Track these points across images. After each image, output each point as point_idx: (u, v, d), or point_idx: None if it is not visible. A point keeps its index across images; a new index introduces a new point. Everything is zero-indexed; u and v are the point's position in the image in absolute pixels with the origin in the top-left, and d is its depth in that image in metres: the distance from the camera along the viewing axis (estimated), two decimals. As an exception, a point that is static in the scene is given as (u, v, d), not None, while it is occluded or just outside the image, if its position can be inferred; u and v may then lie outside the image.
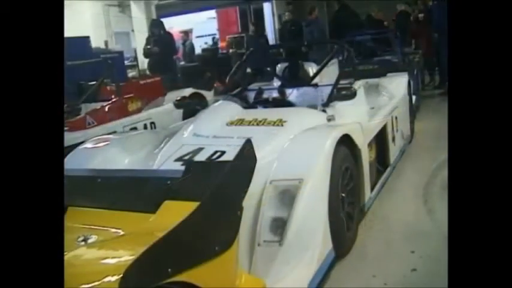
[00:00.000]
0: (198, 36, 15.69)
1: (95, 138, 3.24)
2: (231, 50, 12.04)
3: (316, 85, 4.00)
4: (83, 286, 1.27)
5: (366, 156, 3.06)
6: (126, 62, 11.18)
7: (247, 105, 3.63)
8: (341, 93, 3.31)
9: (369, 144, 3.27)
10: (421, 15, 8.22)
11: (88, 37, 8.94)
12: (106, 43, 13.01)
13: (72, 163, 2.75)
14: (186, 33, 12.47)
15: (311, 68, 6.95)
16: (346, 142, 2.75)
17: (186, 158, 2.68)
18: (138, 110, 5.77)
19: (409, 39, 8.47)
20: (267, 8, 15.35)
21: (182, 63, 10.96)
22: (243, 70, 4.65)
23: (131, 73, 10.86)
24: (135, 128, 5.15)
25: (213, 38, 14.37)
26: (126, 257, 1.43)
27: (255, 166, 1.99)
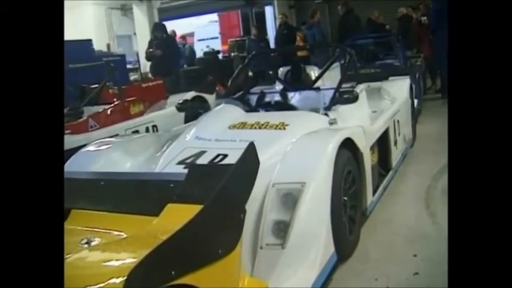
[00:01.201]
0: (200, 40, 15.72)
1: (97, 141, 3.25)
2: (232, 54, 12.06)
3: (318, 89, 4.01)
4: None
5: (368, 160, 3.06)
6: (128, 65, 11.23)
7: (250, 108, 3.64)
8: (343, 96, 3.32)
9: (371, 148, 3.27)
10: (424, 19, 8.22)
11: (90, 40, 8.98)
12: (108, 46, 13.07)
13: (75, 166, 2.77)
14: (184, 38, 12.52)
15: (313, 72, 6.98)
16: (348, 146, 2.75)
17: (189, 161, 2.69)
18: (140, 113, 5.80)
19: (411, 42, 8.46)
20: (268, 11, 15.39)
21: (184, 66, 11.00)
22: (245, 73, 4.65)
23: (133, 76, 10.90)
24: (137, 131, 5.17)
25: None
26: (129, 259, 1.43)
27: (258, 169, 2.00)
